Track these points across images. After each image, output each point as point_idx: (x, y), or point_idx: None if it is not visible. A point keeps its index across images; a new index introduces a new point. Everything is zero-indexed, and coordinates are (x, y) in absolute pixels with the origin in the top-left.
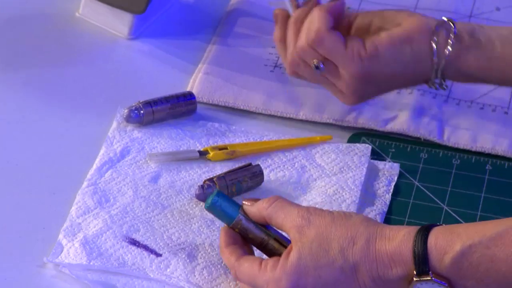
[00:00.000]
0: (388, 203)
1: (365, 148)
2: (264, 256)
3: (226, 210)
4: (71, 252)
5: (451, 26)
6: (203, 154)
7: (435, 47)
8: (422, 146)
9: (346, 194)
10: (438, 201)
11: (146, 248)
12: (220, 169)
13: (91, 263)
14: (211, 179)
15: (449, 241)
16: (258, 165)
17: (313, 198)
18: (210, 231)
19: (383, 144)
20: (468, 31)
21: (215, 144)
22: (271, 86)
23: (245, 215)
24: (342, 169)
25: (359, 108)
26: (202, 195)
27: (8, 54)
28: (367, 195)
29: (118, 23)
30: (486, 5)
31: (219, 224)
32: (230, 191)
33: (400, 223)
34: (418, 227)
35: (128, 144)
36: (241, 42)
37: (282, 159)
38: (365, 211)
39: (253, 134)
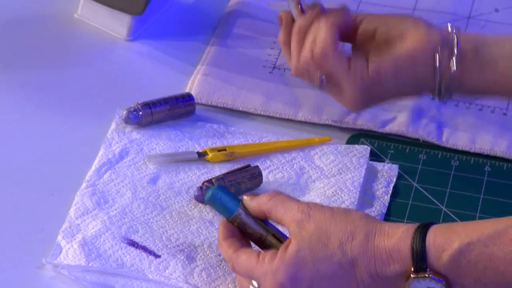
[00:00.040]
0: (387, 204)
1: (363, 150)
2: None
3: (226, 203)
4: (70, 253)
5: (455, 43)
6: (201, 155)
7: (438, 66)
8: (420, 148)
9: (345, 195)
10: (437, 202)
11: (145, 249)
12: (219, 170)
13: (90, 264)
14: (209, 181)
15: (447, 239)
16: (257, 166)
17: (312, 199)
18: (209, 232)
19: (382, 145)
20: (472, 48)
21: (214, 145)
22: (270, 88)
23: (245, 209)
24: (341, 171)
25: None
26: (201, 196)
27: (7, 55)
28: (366, 196)
29: (117, 24)
30: (484, 6)
31: (218, 225)
32: None
33: None
34: (417, 224)
35: (126, 146)
36: (240, 43)
37: (281, 161)
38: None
39: (252, 136)
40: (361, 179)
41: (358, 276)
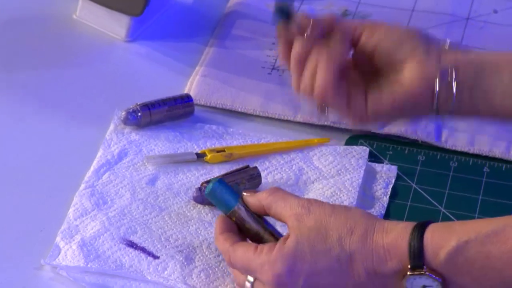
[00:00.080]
0: (385, 205)
1: (362, 151)
2: None
3: (225, 197)
4: (69, 254)
5: (453, 79)
6: (200, 156)
7: (436, 103)
8: (419, 149)
9: (343, 196)
10: (435, 203)
11: (143, 250)
12: (217, 171)
13: (89, 265)
14: (208, 182)
15: (445, 237)
16: (256, 167)
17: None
18: (208, 233)
19: (381, 146)
20: (470, 79)
21: (213, 146)
22: (268, 89)
23: (244, 204)
24: (339, 172)
25: None
26: (199, 197)
27: (5, 56)
28: (365, 197)
29: (116, 25)
30: (483, 7)
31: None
32: None
33: None
34: (416, 222)
35: (125, 146)
36: (239, 44)
37: (279, 162)
38: None
39: (250, 137)
40: (360, 180)
41: (355, 271)
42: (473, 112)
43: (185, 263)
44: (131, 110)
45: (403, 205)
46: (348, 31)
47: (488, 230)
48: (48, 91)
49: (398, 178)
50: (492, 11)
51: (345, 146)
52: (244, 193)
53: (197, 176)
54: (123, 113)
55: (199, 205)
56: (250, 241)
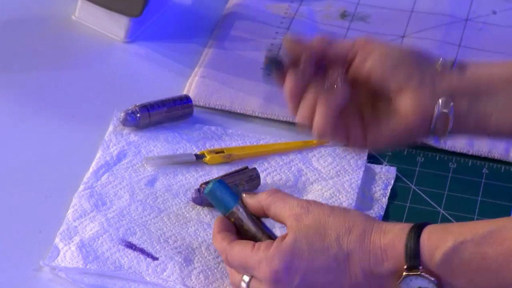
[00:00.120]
0: (384, 206)
1: (361, 152)
2: None
3: (225, 198)
4: (68, 255)
5: (450, 107)
6: (199, 157)
7: (433, 129)
8: (418, 150)
9: (342, 197)
10: (434, 204)
11: (142, 251)
12: (216, 172)
13: (88, 267)
14: (207, 183)
15: (441, 237)
16: (255, 168)
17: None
18: (207, 234)
19: None
20: (466, 105)
21: (212, 147)
22: (267, 90)
23: (243, 206)
24: (338, 173)
25: None
26: (198, 198)
27: (4, 57)
28: (364, 198)
29: (115, 26)
30: (482, 8)
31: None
32: None
33: None
34: (414, 223)
35: (124, 148)
36: (238, 45)
37: (278, 163)
38: None
39: (249, 138)
40: (359, 181)
41: (352, 271)
42: (468, 132)
43: (184, 264)
44: (130, 111)
45: (402, 206)
46: (341, 56)
47: (485, 231)
48: (47, 92)
49: (397, 179)
50: (491, 12)
51: (344, 147)
52: (244, 194)
53: (196, 177)
54: (122, 114)
55: (198, 206)
56: None
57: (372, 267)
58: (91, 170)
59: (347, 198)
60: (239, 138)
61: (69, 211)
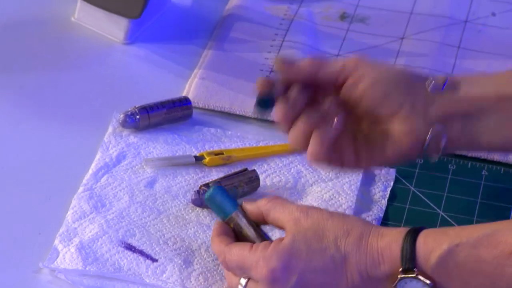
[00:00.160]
0: (384, 208)
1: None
2: None
3: (224, 203)
4: (67, 257)
5: (442, 133)
6: (199, 159)
7: (425, 151)
8: None
9: (342, 199)
10: (434, 206)
11: (142, 253)
12: (216, 174)
13: (87, 268)
14: (207, 184)
15: (437, 240)
16: (254, 170)
17: (309, 203)
18: (206, 236)
19: None
20: (458, 130)
21: (211, 149)
22: None
23: (242, 211)
24: (338, 174)
25: None
26: (198, 200)
27: (4, 59)
28: (363, 200)
29: (114, 28)
30: (482, 10)
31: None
32: None
33: None
34: (411, 227)
35: (124, 149)
36: (237, 47)
37: (278, 164)
38: (361, 216)
39: (249, 139)
40: (358, 183)
41: (349, 272)
42: (460, 150)
43: (184, 266)
44: (129, 112)
45: (402, 208)
46: (332, 79)
47: (480, 234)
48: (46, 93)
49: (396, 181)
50: (490, 14)
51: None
52: (244, 202)
53: (196, 179)
54: (122, 115)
55: (197, 208)
56: None
57: (369, 269)
58: (90, 171)
59: (346, 200)
60: (238, 139)
61: (69, 212)
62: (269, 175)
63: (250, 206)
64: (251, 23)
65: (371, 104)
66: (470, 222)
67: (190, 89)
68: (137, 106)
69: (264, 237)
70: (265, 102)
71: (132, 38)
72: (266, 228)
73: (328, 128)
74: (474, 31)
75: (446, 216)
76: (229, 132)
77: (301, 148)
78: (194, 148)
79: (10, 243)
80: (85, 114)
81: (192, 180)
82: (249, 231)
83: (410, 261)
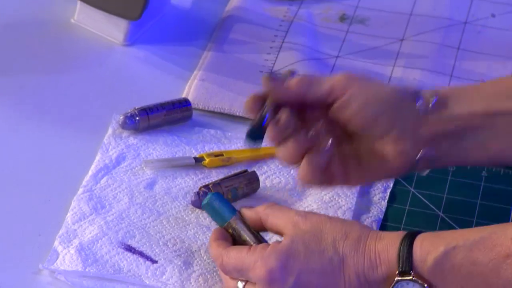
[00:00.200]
0: (384, 210)
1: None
2: None
3: (222, 209)
4: (67, 258)
5: (432, 154)
6: (198, 160)
7: (414, 169)
8: None
9: (342, 200)
10: (434, 208)
11: (141, 254)
12: (215, 175)
13: (87, 270)
14: (206, 186)
15: (434, 243)
16: (254, 171)
17: (309, 204)
18: (206, 237)
19: None
20: (447, 149)
21: (211, 150)
22: None
23: (241, 217)
24: None
25: None
26: (197, 201)
27: (3, 60)
28: (363, 202)
29: (114, 30)
30: (481, 11)
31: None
32: (226, 197)
33: (396, 230)
34: (409, 231)
35: (123, 151)
36: (237, 48)
37: (278, 166)
38: (361, 218)
39: None
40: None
41: (346, 274)
42: (449, 165)
43: (184, 268)
44: (129, 114)
45: (401, 209)
46: (321, 99)
47: (476, 237)
48: (46, 95)
49: (396, 182)
50: (490, 15)
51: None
52: (242, 208)
53: (195, 180)
54: (121, 117)
55: (197, 210)
56: None
57: (366, 272)
58: (90, 173)
59: (346, 202)
60: (238, 141)
61: (68, 214)
62: (269, 176)
63: (248, 212)
64: (251, 24)
65: (360, 126)
66: (470, 223)
67: (190, 90)
68: (136, 108)
69: (262, 242)
70: (255, 135)
71: (132, 39)
72: (264, 235)
73: (319, 153)
74: (474, 32)
75: (446, 218)
76: (229, 134)
77: (289, 166)
78: (193, 149)
79: (10, 244)
80: (85, 115)
81: (192, 181)
82: (247, 236)
83: (406, 263)
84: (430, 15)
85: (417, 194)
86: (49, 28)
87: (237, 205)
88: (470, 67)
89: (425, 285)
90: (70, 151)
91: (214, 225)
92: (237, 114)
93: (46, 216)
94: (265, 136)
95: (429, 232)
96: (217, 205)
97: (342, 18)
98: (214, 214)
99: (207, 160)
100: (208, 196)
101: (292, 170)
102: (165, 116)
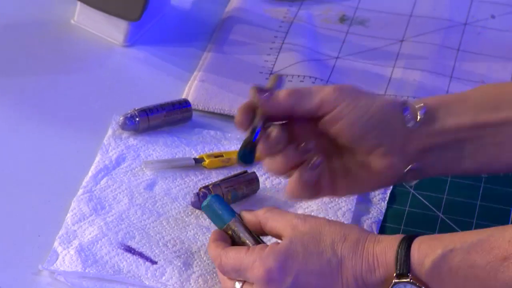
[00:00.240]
0: (383, 211)
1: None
2: None
3: (221, 211)
4: (67, 259)
5: (420, 167)
6: (198, 161)
7: (402, 180)
8: None
9: (341, 202)
10: (434, 209)
11: (141, 255)
12: (215, 176)
13: (87, 271)
14: (206, 187)
15: (432, 246)
16: (254, 172)
17: (308, 205)
18: (206, 238)
19: None
20: (434, 162)
21: (211, 151)
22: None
23: (240, 220)
24: None
25: None
26: (197, 202)
27: (2, 61)
28: (363, 203)
29: (114, 30)
30: (481, 12)
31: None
32: (226, 198)
33: (396, 231)
34: (407, 234)
35: (123, 152)
36: (237, 49)
37: None
38: (361, 219)
39: None
40: None
41: (344, 276)
42: (438, 175)
43: (183, 269)
44: (129, 115)
45: (401, 210)
46: (310, 114)
47: (474, 240)
48: (46, 96)
49: None
50: (489, 17)
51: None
52: (242, 211)
53: (195, 181)
54: (121, 118)
55: (197, 210)
56: None
57: (364, 275)
58: (90, 174)
59: (346, 203)
60: (238, 142)
61: (68, 215)
62: (269, 177)
63: (248, 215)
64: (251, 25)
65: (349, 140)
66: (470, 224)
67: (190, 91)
68: (136, 109)
69: (261, 242)
70: (246, 157)
71: (132, 40)
72: (264, 239)
73: (307, 170)
74: (474, 33)
75: (445, 219)
76: (229, 135)
77: (276, 176)
78: (193, 150)
79: (9, 245)
80: (85, 116)
81: (192, 182)
82: (246, 238)
83: (404, 266)
84: (430, 16)
85: (417, 195)
86: (49, 29)
87: (237, 206)
88: (470, 68)
89: (421, 286)
90: (70, 152)
91: (213, 226)
92: None
93: (46, 216)
94: (258, 153)
95: (427, 235)
96: (217, 207)
97: (342, 19)
98: (214, 216)
99: (207, 161)
100: (208, 198)
101: None
102: (165, 117)
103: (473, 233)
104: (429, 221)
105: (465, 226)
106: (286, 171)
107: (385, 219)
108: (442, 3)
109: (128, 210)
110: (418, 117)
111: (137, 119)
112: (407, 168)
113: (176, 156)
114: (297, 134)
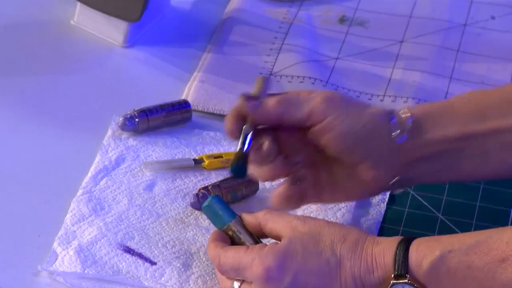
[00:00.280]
0: (383, 212)
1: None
2: None
3: (222, 212)
4: (66, 260)
5: (406, 178)
6: (198, 162)
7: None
8: None
9: (341, 203)
10: (433, 210)
11: (140, 256)
12: (215, 177)
13: (86, 271)
14: (206, 188)
15: (430, 247)
16: None
17: (308, 206)
18: (205, 239)
19: None
20: (421, 169)
21: (210, 152)
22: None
23: (240, 221)
24: None
25: None
26: (197, 203)
27: (2, 61)
28: (362, 204)
29: (113, 31)
30: (481, 13)
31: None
32: (225, 199)
33: (396, 232)
34: (406, 236)
35: (123, 152)
36: (236, 50)
37: None
38: (360, 220)
39: None
40: None
41: (343, 277)
42: (423, 183)
43: (183, 269)
44: (128, 116)
45: (401, 211)
46: (299, 124)
47: (472, 241)
48: (45, 97)
49: None
50: (489, 18)
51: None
52: (242, 213)
53: (195, 182)
54: (121, 119)
55: (196, 211)
56: None
57: (363, 276)
58: (89, 174)
59: (345, 204)
60: (237, 142)
61: (68, 215)
62: None
63: (248, 217)
64: (250, 26)
65: (337, 152)
66: (469, 225)
67: (190, 92)
68: (136, 109)
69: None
70: (239, 171)
71: (132, 41)
72: (264, 241)
73: (292, 182)
74: (474, 34)
75: (445, 220)
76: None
77: (263, 181)
78: (193, 151)
79: (9, 246)
80: (85, 117)
81: (191, 183)
82: (246, 239)
83: (402, 267)
84: (430, 17)
85: (417, 196)
86: (49, 29)
87: (236, 206)
88: (470, 69)
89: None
90: (69, 153)
91: (213, 227)
92: None
93: (45, 217)
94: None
95: (426, 237)
96: (217, 208)
97: (342, 20)
98: (214, 217)
99: (206, 162)
100: (209, 199)
101: None
102: (164, 117)
103: (471, 235)
104: (428, 222)
105: (465, 227)
106: (272, 180)
107: (384, 220)
108: (441, 4)
109: (127, 211)
110: (405, 127)
111: (137, 119)
112: (394, 180)
113: (176, 157)
114: (286, 142)
